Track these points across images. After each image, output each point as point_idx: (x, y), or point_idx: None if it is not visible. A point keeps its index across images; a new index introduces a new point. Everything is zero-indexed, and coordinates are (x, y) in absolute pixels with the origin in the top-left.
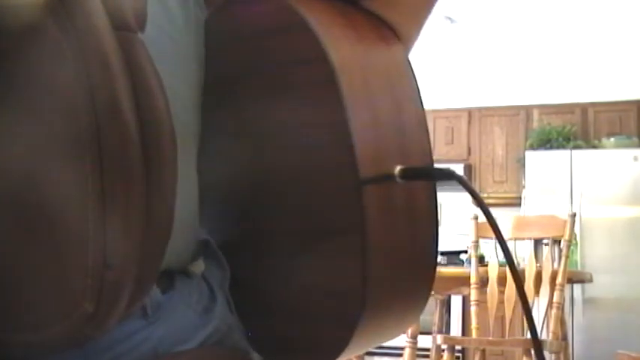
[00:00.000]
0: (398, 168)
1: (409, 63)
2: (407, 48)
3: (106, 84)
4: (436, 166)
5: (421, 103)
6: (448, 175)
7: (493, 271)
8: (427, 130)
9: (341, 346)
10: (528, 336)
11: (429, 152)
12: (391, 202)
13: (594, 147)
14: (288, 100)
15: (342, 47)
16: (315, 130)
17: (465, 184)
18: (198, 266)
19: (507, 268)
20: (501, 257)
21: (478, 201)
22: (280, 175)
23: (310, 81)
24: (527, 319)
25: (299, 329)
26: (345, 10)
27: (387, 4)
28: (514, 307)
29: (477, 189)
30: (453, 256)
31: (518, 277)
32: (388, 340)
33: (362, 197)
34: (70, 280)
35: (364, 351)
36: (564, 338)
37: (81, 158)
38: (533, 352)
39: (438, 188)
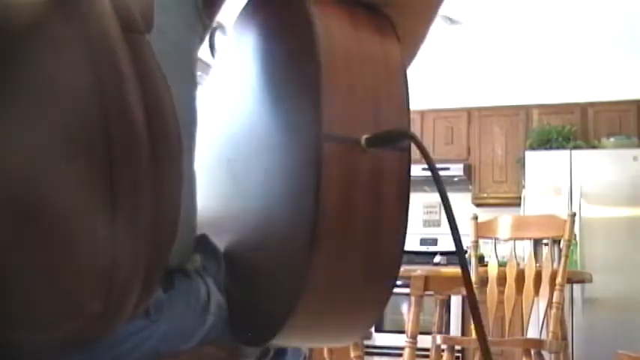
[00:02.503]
0: (364, 136)
1: (401, 62)
2: (409, 48)
3: (115, 84)
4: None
5: (405, 92)
6: (404, 135)
7: (493, 271)
8: (408, 116)
9: (279, 324)
10: (528, 336)
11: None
12: (354, 172)
13: (594, 147)
14: (274, 63)
15: (332, 23)
16: (292, 94)
17: (417, 143)
18: (195, 261)
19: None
20: (501, 257)
21: (428, 161)
22: (251, 139)
23: (295, 48)
24: (473, 317)
25: (253, 306)
26: (348, 3)
27: (391, 4)
28: (514, 307)
29: (476, 189)
30: (453, 256)
31: (466, 269)
32: (334, 343)
33: (321, 153)
34: (79, 281)
35: (308, 341)
36: (564, 338)
37: (90, 159)
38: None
39: (436, 188)
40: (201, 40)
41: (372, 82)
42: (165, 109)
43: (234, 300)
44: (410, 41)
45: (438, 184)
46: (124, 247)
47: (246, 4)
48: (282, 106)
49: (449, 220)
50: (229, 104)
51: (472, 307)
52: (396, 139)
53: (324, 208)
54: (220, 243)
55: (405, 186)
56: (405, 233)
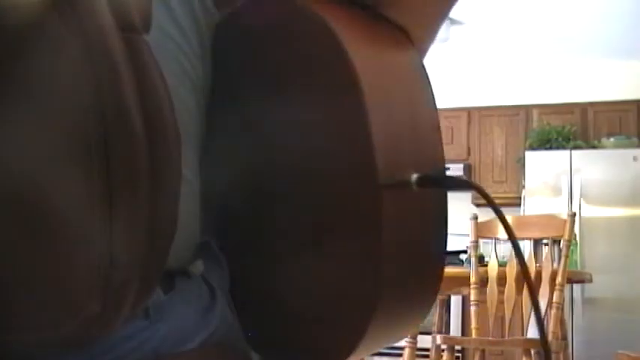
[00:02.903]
0: (415, 176)
1: (424, 68)
2: (421, 53)
3: (113, 85)
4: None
5: (435, 107)
6: (464, 184)
7: (493, 271)
8: (440, 135)
9: (349, 350)
10: (528, 336)
11: (442, 158)
12: (405, 207)
13: (594, 147)
14: (306, 102)
15: (361, 50)
16: (332, 131)
17: (482, 192)
18: (198, 267)
19: (520, 268)
20: (501, 257)
21: (496, 210)
22: (290, 176)
23: (330, 83)
24: (536, 318)
25: (303, 331)
26: (361, 14)
27: (400, 9)
28: (514, 307)
29: None
30: (453, 256)
31: (529, 278)
32: (392, 343)
33: (381, 201)
34: (77, 280)
35: (369, 354)
36: (564, 338)
37: (87, 158)
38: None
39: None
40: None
41: (408, 108)
42: (163, 109)
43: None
44: (418, 48)
45: (506, 227)
46: (121, 247)
47: (240, 15)
48: (323, 150)
49: (517, 255)
50: (250, 129)
51: (535, 308)
52: (453, 187)
53: (387, 250)
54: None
55: (444, 207)
56: (446, 245)
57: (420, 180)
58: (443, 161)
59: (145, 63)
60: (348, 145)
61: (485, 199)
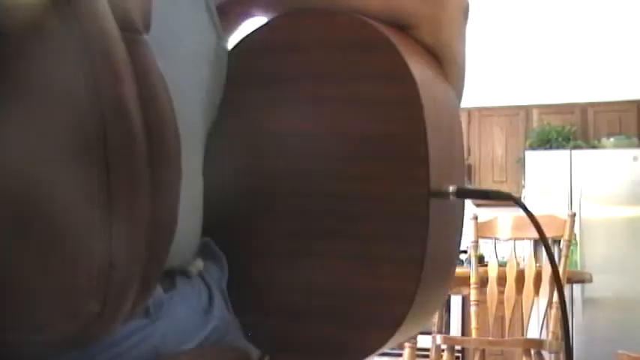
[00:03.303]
0: (453, 187)
1: (457, 101)
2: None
3: (112, 85)
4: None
5: (462, 137)
6: (506, 197)
7: (493, 271)
8: (464, 163)
9: (379, 345)
10: (528, 336)
11: (464, 179)
12: (442, 214)
13: (594, 147)
14: (362, 112)
15: (418, 67)
16: (386, 140)
17: (521, 205)
18: (197, 266)
19: (551, 269)
20: (501, 257)
21: (534, 222)
22: (340, 183)
23: (389, 96)
24: (563, 322)
25: (320, 329)
26: (408, 36)
27: (433, 35)
28: (513, 307)
29: None
30: None
31: (559, 278)
32: (407, 339)
33: (429, 208)
34: (76, 280)
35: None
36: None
37: (87, 158)
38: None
39: None
40: (220, 38)
41: (448, 130)
42: (163, 110)
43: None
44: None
45: (543, 239)
46: (121, 247)
47: (275, 26)
48: (372, 156)
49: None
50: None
51: (563, 311)
52: (495, 198)
53: (429, 252)
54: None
55: (462, 220)
56: (460, 244)
57: (457, 191)
58: (464, 182)
59: (145, 64)
60: (403, 154)
61: (528, 216)
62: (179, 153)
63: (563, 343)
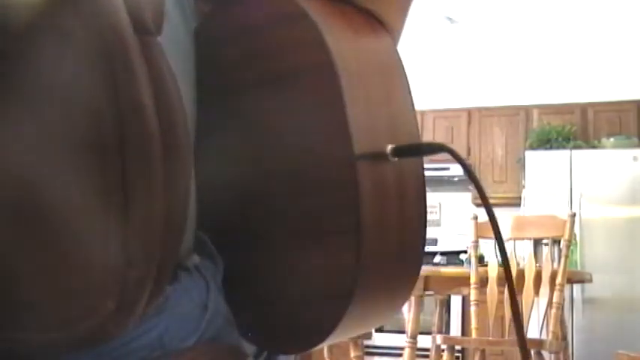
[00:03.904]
0: (389, 146)
1: (398, 54)
2: (395, 39)
3: (128, 82)
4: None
5: (409, 89)
6: (438, 148)
7: (493, 271)
8: (415, 116)
9: (330, 327)
10: (528, 336)
11: (416, 135)
12: (383, 181)
13: (594, 147)
14: (286, 88)
15: (337, 34)
16: (311, 113)
17: (455, 155)
18: (194, 260)
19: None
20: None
21: (471, 176)
22: (274, 160)
23: (306, 67)
24: (514, 319)
25: (288, 314)
26: (336, 3)
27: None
28: None
29: None
30: (453, 256)
31: (510, 275)
32: (375, 326)
33: (356, 173)
34: (93, 280)
35: (349, 336)
36: (564, 338)
37: (104, 156)
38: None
39: (437, 189)
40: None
41: (382, 88)
42: (175, 109)
43: (260, 309)
44: (391, 35)
45: (481, 193)
46: (136, 246)
47: (215, 8)
48: (299, 125)
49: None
50: (228, 116)
51: (514, 314)
52: (428, 151)
53: (365, 223)
54: (243, 258)
55: (422, 182)
56: (426, 223)
57: (394, 150)
58: (417, 138)
59: (157, 64)
60: (324, 121)
61: (463, 167)
62: (191, 152)
63: (563, 343)
